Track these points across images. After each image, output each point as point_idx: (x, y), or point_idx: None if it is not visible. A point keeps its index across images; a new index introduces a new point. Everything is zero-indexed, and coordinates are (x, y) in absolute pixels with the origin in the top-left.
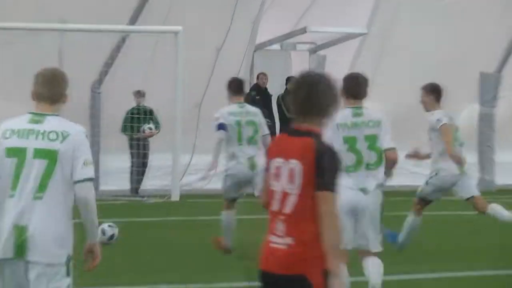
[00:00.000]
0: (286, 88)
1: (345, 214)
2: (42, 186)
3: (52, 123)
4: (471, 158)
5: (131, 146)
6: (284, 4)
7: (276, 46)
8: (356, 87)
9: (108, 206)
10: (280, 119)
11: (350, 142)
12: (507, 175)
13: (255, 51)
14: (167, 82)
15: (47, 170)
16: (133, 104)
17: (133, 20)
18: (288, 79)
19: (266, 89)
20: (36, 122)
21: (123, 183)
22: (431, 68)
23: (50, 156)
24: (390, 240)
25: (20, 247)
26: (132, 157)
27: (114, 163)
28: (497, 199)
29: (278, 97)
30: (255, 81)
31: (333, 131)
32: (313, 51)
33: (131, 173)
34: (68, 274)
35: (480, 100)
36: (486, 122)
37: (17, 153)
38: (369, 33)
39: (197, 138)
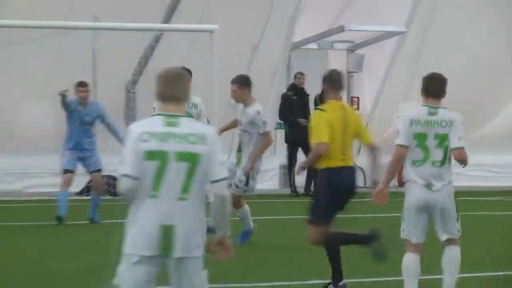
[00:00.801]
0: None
1: (416, 210)
2: (185, 188)
3: (187, 125)
4: None
5: None
6: (321, 2)
7: (313, 45)
8: (436, 86)
9: None
10: None
11: (420, 138)
12: None
13: (292, 50)
14: (202, 81)
15: (190, 172)
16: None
17: (167, 19)
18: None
19: (303, 88)
20: (172, 124)
21: None
22: (470, 66)
23: (191, 159)
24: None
25: (167, 245)
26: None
27: None
28: None
29: (316, 96)
30: (292, 80)
31: (405, 125)
32: (351, 50)
33: None
34: (204, 267)
35: None
36: None
37: (158, 156)
38: (408, 31)
39: (233, 137)
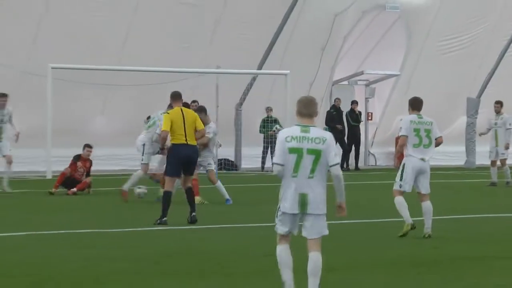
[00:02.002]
0: (351, 107)
1: (412, 172)
2: (312, 171)
3: (314, 132)
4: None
5: (264, 140)
6: (350, 55)
7: (345, 82)
8: (417, 103)
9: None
10: (347, 126)
11: (416, 131)
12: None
13: (332, 85)
14: (280, 107)
15: (315, 161)
16: (263, 116)
17: (261, 65)
18: (352, 102)
19: (339, 108)
20: (305, 131)
21: (258, 163)
22: (436, 101)
23: (316, 153)
24: None
25: (303, 206)
26: (265, 146)
27: (251, 152)
28: (477, 172)
29: (346, 113)
30: (333, 103)
31: (406, 123)
32: (367, 85)
33: (263, 155)
34: (325, 219)
35: (467, 114)
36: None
37: (296, 151)
38: (401, 74)
39: None
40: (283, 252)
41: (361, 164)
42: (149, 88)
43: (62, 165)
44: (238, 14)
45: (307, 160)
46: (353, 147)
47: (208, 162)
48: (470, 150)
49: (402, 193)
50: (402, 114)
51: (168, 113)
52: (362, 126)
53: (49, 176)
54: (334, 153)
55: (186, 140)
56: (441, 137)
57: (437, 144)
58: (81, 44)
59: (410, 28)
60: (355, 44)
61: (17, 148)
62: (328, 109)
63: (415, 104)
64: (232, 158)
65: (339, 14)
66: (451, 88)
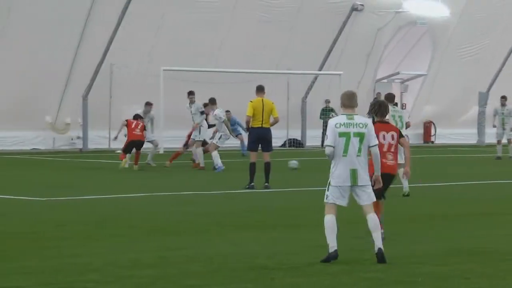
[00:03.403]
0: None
1: None
2: (359, 150)
3: (358, 119)
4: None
5: (323, 124)
6: (389, 59)
7: (384, 80)
8: (348, 100)
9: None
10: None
11: (344, 135)
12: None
13: (375, 82)
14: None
15: (360, 143)
16: (323, 106)
17: (321, 67)
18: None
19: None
20: (351, 119)
21: (319, 142)
22: (455, 94)
23: (361, 136)
24: None
25: (354, 179)
26: (323, 129)
27: (313, 134)
28: (486, 149)
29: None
30: (375, 96)
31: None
32: (402, 82)
33: (322, 136)
34: (370, 189)
35: (479, 104)
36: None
37: (344, 135)
38: (427, 74)
39: None
40: (330, 220)
41: None
42: (233, 85)
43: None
44: (303, 27)
45: (354, 142)
46: None
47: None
48: (481, 132)
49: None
50: (428, 105)
51: (251, 101)
52: None
53: (161, 152)
54: (374, 135)
55: (262, 123)
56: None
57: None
58: (186, 52)
59: (435, 38)
60: (393, 51)
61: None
62: (372, 101)
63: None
64: (299, 138)
65: (380, 28)
66: (466, 85)
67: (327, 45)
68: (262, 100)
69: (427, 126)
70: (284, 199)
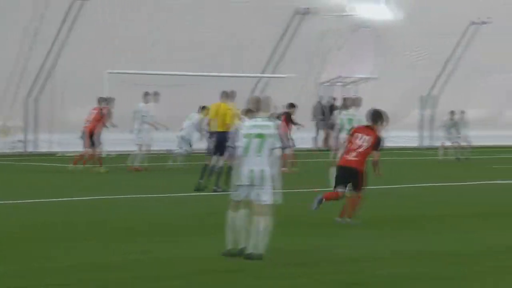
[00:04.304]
0: (333, 102)
1: None
2: (259, 151)
3: (262, 121)
4: None
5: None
6: (333, 62)
7: (328, 83)
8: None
9: None
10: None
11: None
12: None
13: (319, 85)
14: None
15: (261, 144)
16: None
17: (265, 68)
18: (333, 99)
19: (321, 102)
20: (255, 121)
21: None
22: (398, 98)
23: (262, 138)
24: None
25: (253, 178)
26: None
27: None
28: (427, 151)
29: (329, 106)
30: (318, 99)
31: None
32: (345, 86)
33: None
34: (271, 191)
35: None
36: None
37: (248, 136)
38: (378, 77)
39: None
40: (232, 218)
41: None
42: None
43: None
44: (248, 30)
45: (256, 143)
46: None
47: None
48: (422, 135)
49: None
50: (372, 108)
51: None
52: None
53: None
54: (278, 138)
55: (217, 128)
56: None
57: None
58: (133, 54)
59: (379, 42)
60: (337, 55)
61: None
62: (315, 104)
63: (356, 102)
64: None
65: (325, 31)
66: (409, 88)
67: (271, 48)
68: (220, 105)
69: None
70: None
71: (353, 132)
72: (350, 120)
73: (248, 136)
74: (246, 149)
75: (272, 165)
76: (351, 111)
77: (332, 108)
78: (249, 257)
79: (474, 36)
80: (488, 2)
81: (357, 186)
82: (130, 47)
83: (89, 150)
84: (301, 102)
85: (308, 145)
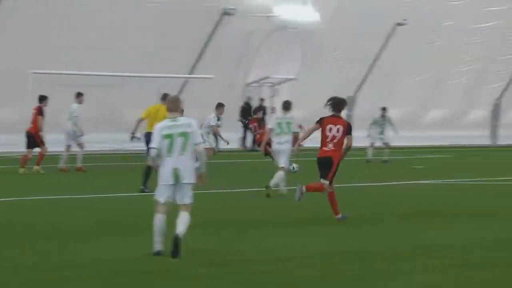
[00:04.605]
0: (260, 103)
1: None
2: (183, 149)
3: (182, 120)
4: None
5: None
6: (260, 63)
7: (255, 84)
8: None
9: None
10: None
11: (279, 124)
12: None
13: (246, 86)
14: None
15: (184, 142)
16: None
17: (192, 69)
18: (260, 99)
19: (250, 103)
20: (174, 121)
21: None
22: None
23: (185, 136)
24: None
25: (177, 177)
26: None
27: None
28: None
29: (255, 107)
30: (245, 100)
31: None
32: (272, 87)
33: None
34: (192, 188)
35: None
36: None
37: (169, 136)
38: (297, 78)
39: None
40: (158, 220)
41: None
42: (105, 89)
43: None
44: (175, 31)
45: (179, 141)
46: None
47: None
48: None
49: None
50: (299, 109)
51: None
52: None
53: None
54: (198, 134)
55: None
56: (297, 133)
57: (294, 137)
58: (56, 55)
59: (305, 43)
60: (263, 55)
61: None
62: (242, 104)
63: (285, 106)
64: None
65: (251, 32)
66: (334, 89)
67: (198, 48)
68: (160, 107)
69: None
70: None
71: (325, 124)
72: (279, 124)
73: (169, 136)
74: (169, 148)
75: (197, 160)
76: (281, 114)
77: (260, 108)
78: (176, 241)
79: (395, 37)
80: (411, 3)
81: (328, 175)
82: (53, 48)
83: (45, 149)
84: (229, 103)
85: (236, 145)
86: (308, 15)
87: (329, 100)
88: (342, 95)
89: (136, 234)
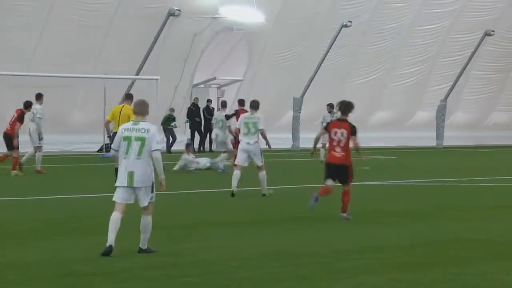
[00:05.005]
0: (206, 104)
1: (242, 152)
2: (139, 153)
3: (142, 125)
4: None
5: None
6: (206, 65)
7: (202, 85)
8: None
9: None
10: (203, 119)
11: (126, 139)
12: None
13: (193, 87)
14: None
15: (140, 146)
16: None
17: (139, 70)
18: (207, 101)
19: (197, 105)
20: (136, 124)
21: None
22: (270, 99)
23: (142, 140)
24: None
25: (131, 180)
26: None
27: None
28: (301, 153)
29: (203, 109)
30: (192, 101)
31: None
32: (219, 88)
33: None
34: (152, 190)
35: (293, 109)
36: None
37: (127, 139)
38: (243, 79)
39: None
40: (114, 218)
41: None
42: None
43: None
44: (120, 32)
45: (135, 145)
46: (208, 135)
47: None
48: (295, 136)
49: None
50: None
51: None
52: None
53: None
54: (156, 141)
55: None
56: (263, 129)
57: (261, 134)
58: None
59: (251, 44)
60: (209, 56)
61: None
62: (189, 105)
63: (252, 105)
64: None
65: (197, 33)
66: (281, 90)
67: (144, 49)
68: (122, 106)
69: (237, 132)
70: (96, 205)
71: (330, 129)
72: (246, 124)
73: (127, 138)
74: (127, 151)
75: (154, 166)
76: (248, 114)
77: (207, 109)
78: (142, 251)
79: (339, 39)
80: (356, 5)
81: (346, 180)
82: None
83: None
84: (176, 105)
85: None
86: (253, 16)
87: (339, 103)
88: (289, 96)
89: (85, 235)
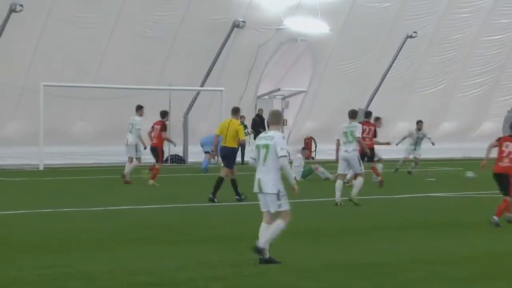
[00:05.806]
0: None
1: (342, 159)
2: (264, 160)
3: (269, 133)
4: None
5: None
6: (270, 76)
7: (266, 96)
8: (270, 118)
9: None
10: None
11: (257, 148)
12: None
13: (257, 98)
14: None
15: (265, 153)
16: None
17: (202, 83)
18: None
19: (262, 116)
20: (265, 133)
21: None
22: (334, 110)
23: (267, 148)
24: None
25: (259, 187)
26: None
27: (195, 150)
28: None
29: (267, 120)
30: (257, 112)
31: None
32: (283, 99)
33: None
34: (278, 198)
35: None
36: None
37: (258, 147)
38: (307, 90)
39: None
40: (261, 227)
41: None
42: (115, 100)
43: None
44: (185, 44)
45: (262, 153)
46: None
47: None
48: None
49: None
50: (310, 121)
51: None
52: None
53: (41, 168)
54: (281, 147)
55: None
56: (359, 137)
57: (358, 143)
58: (66, 67)
59: (315, 55)
60: (274, 68)
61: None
62: (254, 116)
63: (351, 114)
64: (181, 154)
65: (262, 45)
66: (345, 101)
67: (209, 61)
68: (230, 121)
69: (307, 142)
70: (165, 215)
71: (501, 141)
72: (344, 133)
73: (258, 147)
74: (257, 158)
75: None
76: (347, 123)
77: None
78: (257, 250)
79: (405, 49)
80: (422, 15)
81: (507, 189)
82: (61, 60)
83: None
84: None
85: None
86: (317, 27)
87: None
88: (354, 107)
89: (147, 245)
